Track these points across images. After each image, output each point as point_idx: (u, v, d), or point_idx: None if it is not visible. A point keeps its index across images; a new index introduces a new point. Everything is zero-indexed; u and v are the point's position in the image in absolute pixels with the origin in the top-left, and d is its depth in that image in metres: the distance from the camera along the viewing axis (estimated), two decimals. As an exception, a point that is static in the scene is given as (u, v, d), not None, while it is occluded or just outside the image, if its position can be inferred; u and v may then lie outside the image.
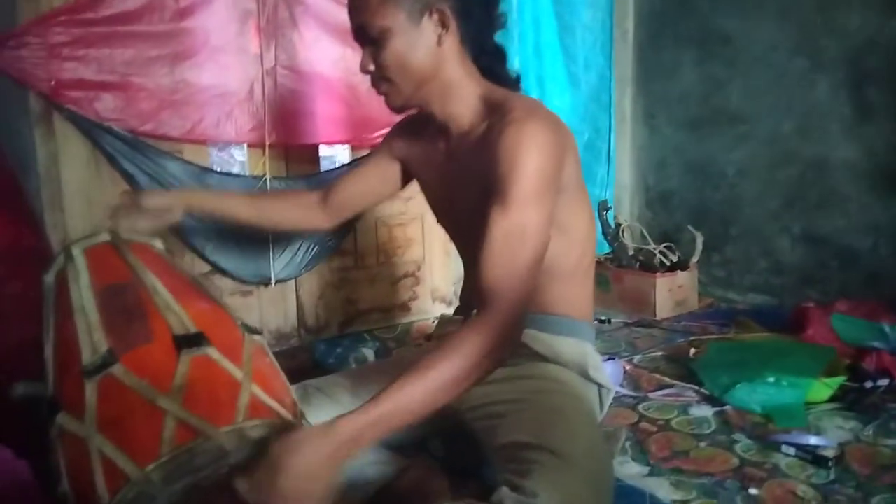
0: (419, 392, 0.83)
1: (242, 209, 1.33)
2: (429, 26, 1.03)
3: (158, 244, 1.09)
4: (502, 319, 0.90)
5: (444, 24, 1.03)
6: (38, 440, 0.90)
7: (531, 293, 0.96)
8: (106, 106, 1.61)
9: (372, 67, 1.06)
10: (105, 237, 1.03)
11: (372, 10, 1.01)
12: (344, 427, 0.78)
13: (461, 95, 1.08)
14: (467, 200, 1.09)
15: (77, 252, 0.98)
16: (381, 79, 1.07)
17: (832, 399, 1.50)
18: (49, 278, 0.99)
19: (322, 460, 0.76)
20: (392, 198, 1.38)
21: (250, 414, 0.81)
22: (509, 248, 0.93)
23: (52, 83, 1.54)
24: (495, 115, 1.03)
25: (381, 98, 1.10)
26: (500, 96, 1.07)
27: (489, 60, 1.12)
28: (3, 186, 1.34)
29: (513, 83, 1.15)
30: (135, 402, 0.79)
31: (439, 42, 1.04)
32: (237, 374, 0.84)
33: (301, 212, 1.35)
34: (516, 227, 0.93)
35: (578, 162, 1.10)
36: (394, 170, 1.31)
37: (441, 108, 1.10)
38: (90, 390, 0.80)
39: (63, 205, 1.62)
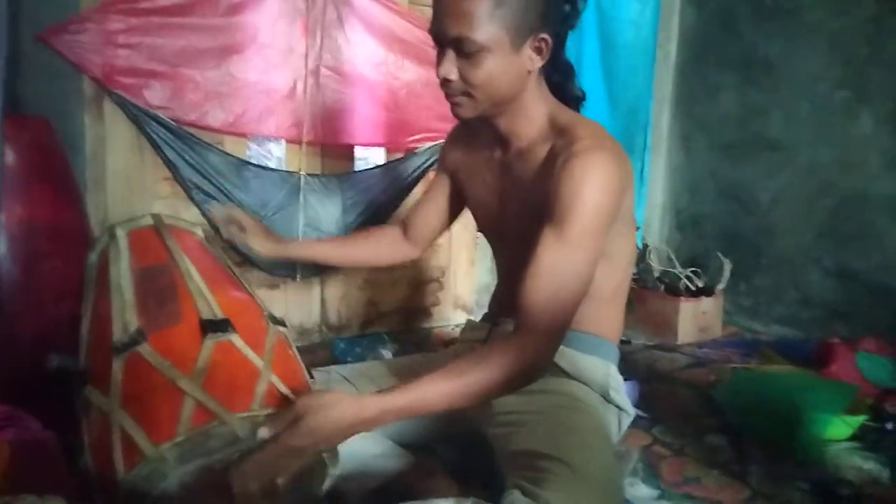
0: (445, 392, 0.88)
1: (338, 257, 1.42)
2: (527, 53, 0.99)
3: (199, 232, 1.13)
4: (538, 344, 0.94)
5: (539, 52, 1.00)
6: (68, 413, 0.94)
7: (569, 322, 0.98)
8: (154, 94, 1.67)
9: (454, 77, 1.00)
10: (148, 221, 1.06)
11: (475, 25, 0.94)
12: (371, 405, 0.84)
13: (530, 114, 1.07)
14: (517, 214, 1.10)
15: (121, 234, 1.02)
16: (461, 91, 1.02)
17: (852, 438, 1.47)
18: (92, 257, 1.03)
19: (340, 428, 0.82)
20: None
21: (266, 402, 0.84)
22: (557, 277, 0.94)
23: (106, 68, 1.60)
24: (561, 138, 1.02)
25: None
26: (566, 119, 1.06)
27: (560, 78, 1.11)
28: (53, 166, 1.38)
29: (579, 100, 1.14)
30: (157, 381, 0.82)
31: (531, 68, 1.01)
32: (258, 362, 0.87)
33: (392, 250, 1.39)
34: (567, 260, 0.95)
35: (633, 191, 1.10)
36: (452, 187, 1.32)
37: (508, 123, 1.08)
38: (117, 367, 0.84)
39: (106, 187, 1.68)
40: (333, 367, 1.25)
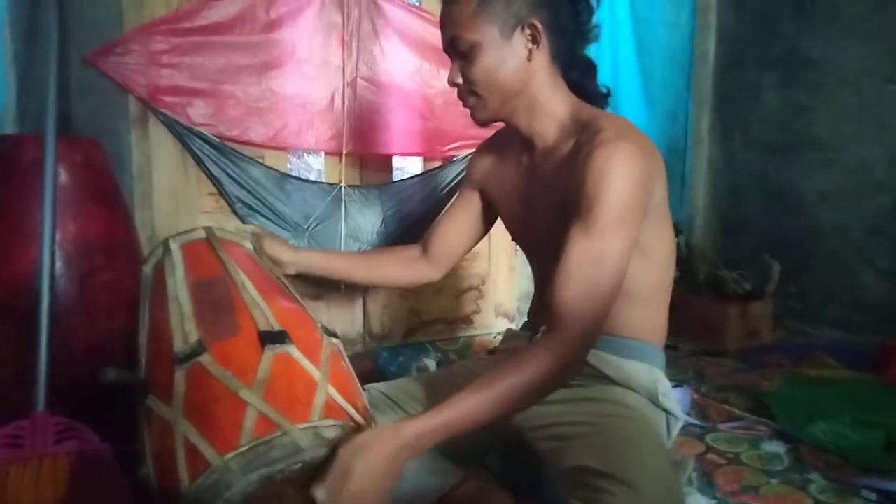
0: (481, 404, 0.87)
1: (355, 272, 1.38)
2: (519, 42, 1.02)
3: (248, 244, 1.15)
4: (571, 342, 0.92)
5: (535, 40, 1.03)
6: (123, 425, 0.95)
7: (603, 319, 0.96)
8: (197, 111, 1.70)
9: (460, 81, 1.06)
10: (201, 234, 1.08)
11: (464, 24, 1.01)
12: (407, 430, 0.83)
13: (548, 111, 1.08)
14: (547, 216, 1.09)
15: (175, 246, 1.03)
16: (468, 92, 1.07)
17: (918, 444, 1.42)
18: (147, 269, 1.05)
19: (386, 460, 0.80)
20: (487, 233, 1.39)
21: (325, 414, 0.84)
22: (587, 272, 0.93)
23: (150, 88, 1.64)
24: (584, 133, 1.02)
25: (454, 112, 1.11)
26: (589, 114, 1.06)
27: (578, 75, 1.11)
28: (103, 184, 1.41)
29: (602, 98, 1.13)
30: (219, 391, 0.83)
31: (529, 57, 1.04)
32: (315, 373, 0.87)
33: (408, 270, 1.37)
34: (596, 252, 0.93)
35: (665, 185, 1.08)
36: (479, 203, 1.31)
37: (527, 122, 1.09)
38: (179, 377, 0.85)
39: (152, 203, 1.71)
40: (373, 385, 1.24)
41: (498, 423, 0.91)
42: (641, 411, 1.08)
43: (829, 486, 1.28)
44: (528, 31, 1.02)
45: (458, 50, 1.04)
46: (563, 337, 0.92)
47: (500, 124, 1.17)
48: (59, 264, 1.29)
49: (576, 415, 1.05)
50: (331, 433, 0.81)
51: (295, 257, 1.27)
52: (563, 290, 0.93)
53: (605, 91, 1.14)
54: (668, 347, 2.13)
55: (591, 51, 2.35)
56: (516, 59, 1.03)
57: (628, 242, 0.96)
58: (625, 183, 0.94)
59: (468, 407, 0.86)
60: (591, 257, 0.93)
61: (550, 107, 1.07)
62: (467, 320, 2.22)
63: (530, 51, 1.03)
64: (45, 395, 1.16)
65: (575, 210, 0.96)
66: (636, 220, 0.97)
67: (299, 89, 1.82)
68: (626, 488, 0.85)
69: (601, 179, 0.94)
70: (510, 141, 1.19)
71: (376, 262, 1.42)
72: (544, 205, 1.10)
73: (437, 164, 2.08)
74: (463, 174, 2.03)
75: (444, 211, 1.38)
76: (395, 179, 2.07)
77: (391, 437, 0.81)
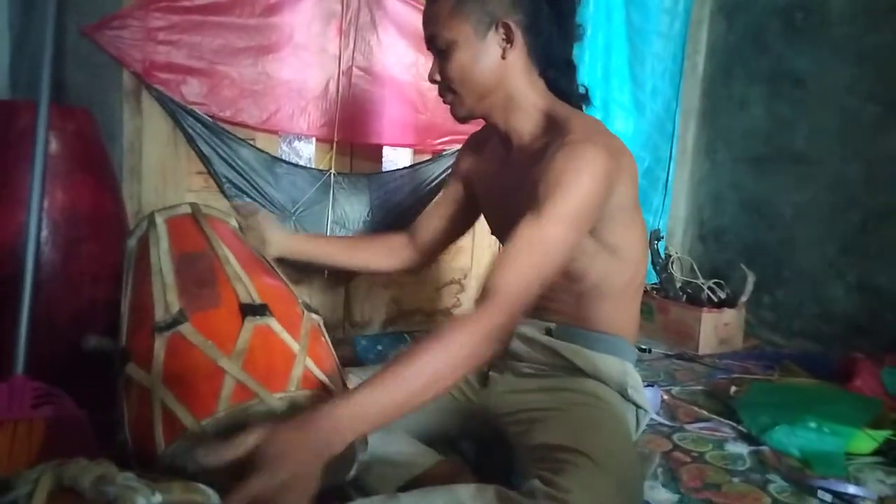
0: (398, 385, 0.82)
1: (339, 257, 1.38)
2: (494, 40, 1.05)
3: (233, 221, 1.16)
4: (496, 322, 0.91)
5: (508, 39, 1.05)
6: (102, 394, 0.96)
7: (530, 301, 0.96)
8: (191, 90, 1.71)
9: (438, 77, 1.09)
10: (186, 209, 1.09)
11: (441, 22, 1.05)
12: (319, 421, 0.77)
13: (524, 108, 1.10)
14: (521, 212, 1.12)
15: (160, 220, 1.05)
16: (446, 89, 1.10)
17: (875, 452, 1.46)
18: (132, 242, 1.07)
19: (303, 457, 0.74)
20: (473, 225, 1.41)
21: (302, 385, 0.86)
22: (528, 256, 0.94)
23: (145, 64, 1.65)
24: (555, 132, 1.04)
25: (447, 106, 1.14)
26: (563, 114, 1.08)
27: (555, 74, 1.13)
28: (94, 155, 1.42)
29: (579, 98, 1.16)
30: (199, 359, 0.84)
31: (503, 55, 1.06)
32: (294, 346, 0.89)
33: (393, 257, 1.39)
34: (541, 239, 0.94)
35: (635, 185, 1.10)
36: (464, 196, 1.34)
37: (504, 119, 1.12)
38: (159, 345, 0.86)
39: (141, 177, 1.72)
40: (351, 369, 1.25)
41: (427, 402, 0.86)
42: (611, 403, 1.11)
43: (788, 487, 1.32)
44: (501, 31, 1.05)
45: (436, 47, 1.08)
46: (489, 317, 0.90)
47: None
48: (45, 232, 1.29)
49: (547, 402, 1.08)
50: (307, 403, 0.83)
51: (280, 238, 1.27)
52: (501, 270, 0.92)
53: (583, 91, 1.17)
54: (642, 350, 2.19)
55: (585, 57, 2.40)
56: (491, 57, 1.06)
57: (574, 237, 0.98)
58: (583, 182, 0.96)
59: (383, 390, 0.81)
60: (535, 244, 0.94)
61: (526, 104, 1.10)
62: (447, 313, 2.25)
63: (504, 49, 1.06)
64: (24, 360, 1.16)
65: (532, 199, 0.98)
66: (588, 216, 0.99)
67: (295, 74, 1.83)
68: (589, 461, 0.87)
69: (560, 176, 0.96)
70: (492, 139, 1.22)
71: (360, 248, 1.43)
72: (519, 201, 1.12)
73: (426, 156, 2.10)
74: (451, 169, 2.07)
75: (432, 202, 1.40)
76: (384, 170, 2.09)
77: (303, 431, 0.75)
